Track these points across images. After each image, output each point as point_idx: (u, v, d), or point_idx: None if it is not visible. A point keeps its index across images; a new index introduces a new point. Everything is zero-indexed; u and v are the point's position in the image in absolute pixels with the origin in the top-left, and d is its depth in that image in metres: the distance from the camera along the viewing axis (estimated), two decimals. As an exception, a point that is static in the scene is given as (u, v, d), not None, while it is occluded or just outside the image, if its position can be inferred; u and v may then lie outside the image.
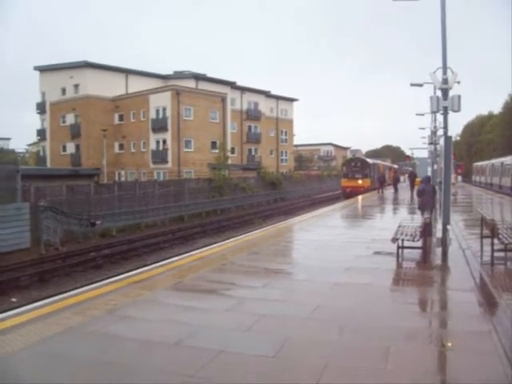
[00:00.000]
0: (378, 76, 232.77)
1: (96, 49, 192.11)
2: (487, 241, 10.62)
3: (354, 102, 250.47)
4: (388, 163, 74.28)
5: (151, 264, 12.20)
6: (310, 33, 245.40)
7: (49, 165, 52.39)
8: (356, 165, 48.03)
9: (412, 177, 37.97)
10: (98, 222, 24.32)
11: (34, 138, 60.48)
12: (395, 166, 74.61)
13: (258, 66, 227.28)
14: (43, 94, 54.63)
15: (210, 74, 55.13)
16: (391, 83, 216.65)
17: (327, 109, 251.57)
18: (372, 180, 47.47)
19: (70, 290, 9.61)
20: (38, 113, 56.36)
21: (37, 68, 53.97)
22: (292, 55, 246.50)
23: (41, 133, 56.52)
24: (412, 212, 22.11)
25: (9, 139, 75.03)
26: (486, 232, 11.08)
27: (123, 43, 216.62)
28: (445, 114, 11.38)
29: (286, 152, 70.69)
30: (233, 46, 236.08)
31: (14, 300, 13.85)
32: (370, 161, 51.53)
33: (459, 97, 11.09)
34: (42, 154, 56.89)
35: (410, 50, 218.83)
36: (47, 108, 54.14)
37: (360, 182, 46.08)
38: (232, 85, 56.22)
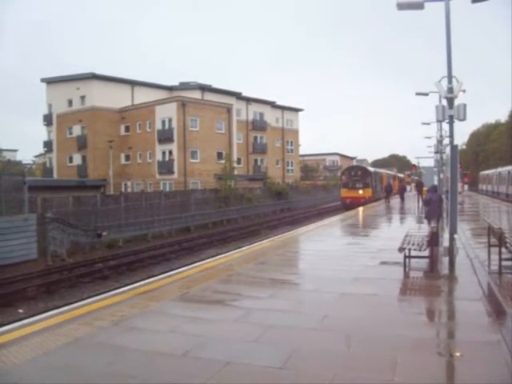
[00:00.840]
0: (383, 83, 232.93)
1: (97, 50, 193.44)
2: (495, 250, 10.56)
3: (360, 110, 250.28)
4: (392, 172, 72.31)
5: (158, 275, 12.21)
6: (312, 34, 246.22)
7: (55, 176, 52.66)
8: (356, 173, 45.00)
9: (419, 186, 37.77)
10: (104, 233, 24.38)
11: (41, 149, 60.88)
12: (399, 175, 73.66)
13: (259, 67, 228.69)
14: (50, 106, 55.04)
15: (213, 81, 55.85)
16: (398, 91, 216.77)
17: (331, 116, 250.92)
18: (374, 190, 44.88)
19: (76, 301, 9.64)
20: (45, 124, 56.72)
21: (43, 80, 54.43)
22: (295, 63, 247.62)
23: (47, 144, 56.86)
24: (419, 221, 22.03)
25: (16, 151, 75.45)
26: (494, 241, 11.02)
27: (123, 41, 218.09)
28: (450, 123, 11.37)
29: (291, 162, 70.74)
30: (234, 46, 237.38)
31: (20, 311, 13.84)
32: (371, 169, 49.01)
33: (465, 105, 11.09)
34: (48, 165, 57.20)
35: (416, 56, 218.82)
36: (54, 120, 54.51)
37: (361, 192, 43.13)
38: (237, 95, 56.48)
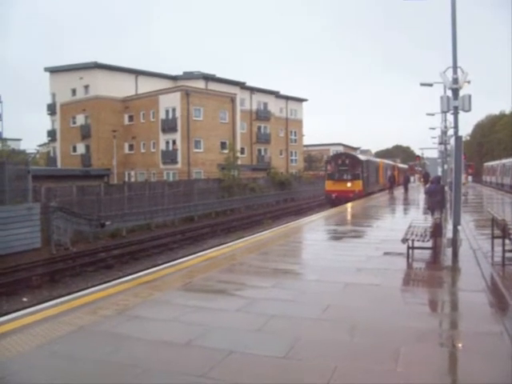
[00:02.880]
0: (387, 74, 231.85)
1: (100, 43, 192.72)
2: (498, 241, 10.54)
3: (364, 101, 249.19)
4: (393, 162, 66.26)
5: (161, 264, 12.25)
6: (318, 30, 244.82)
7: (59, 165, 52.78)
8: (344, 162, 37.15)
9: (426, 177, 37.53)
10: (107, 223, 24.42)
11: (45, 138, 60.95)
12: (400, 165, 71.69)
13: (265, 63, 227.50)
14: (53, 95, 55.05)
15: (217, 70, 55.67)
16: (401, 82, 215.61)
17: (336, 107, 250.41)
18: (365, 182, 37.77)
19: (80, 290, 9.68)
20: (49, 114, 56.76)
21: (47, 69, 54.37)
22: (300, 53, 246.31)
23: (51, 134, 56.92)
24: (425, 212, 21.97)
25: (20, 140, 75.46)
26: (497, 232, 11.01)
27: (125, 38, 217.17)
28: (455, 114, 11.33)
29: (295, 152, 70.66)
30: (240, 44, 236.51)
31: (25, 300, 13.93)
32: (362, 157, 41.85)
33: (470, 96, 11.03)
34: (52, 154, 57.30)
35: (421, 48, 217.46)
36: (57, 109, 54.52)
37: (349, 184, 35.97)
38: (241, 85, 56.29)
